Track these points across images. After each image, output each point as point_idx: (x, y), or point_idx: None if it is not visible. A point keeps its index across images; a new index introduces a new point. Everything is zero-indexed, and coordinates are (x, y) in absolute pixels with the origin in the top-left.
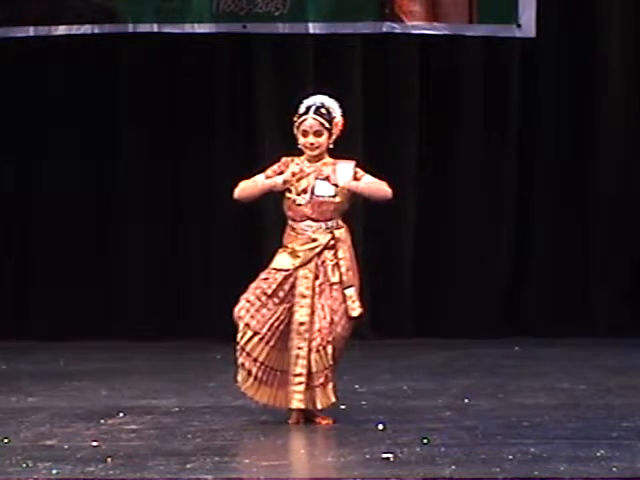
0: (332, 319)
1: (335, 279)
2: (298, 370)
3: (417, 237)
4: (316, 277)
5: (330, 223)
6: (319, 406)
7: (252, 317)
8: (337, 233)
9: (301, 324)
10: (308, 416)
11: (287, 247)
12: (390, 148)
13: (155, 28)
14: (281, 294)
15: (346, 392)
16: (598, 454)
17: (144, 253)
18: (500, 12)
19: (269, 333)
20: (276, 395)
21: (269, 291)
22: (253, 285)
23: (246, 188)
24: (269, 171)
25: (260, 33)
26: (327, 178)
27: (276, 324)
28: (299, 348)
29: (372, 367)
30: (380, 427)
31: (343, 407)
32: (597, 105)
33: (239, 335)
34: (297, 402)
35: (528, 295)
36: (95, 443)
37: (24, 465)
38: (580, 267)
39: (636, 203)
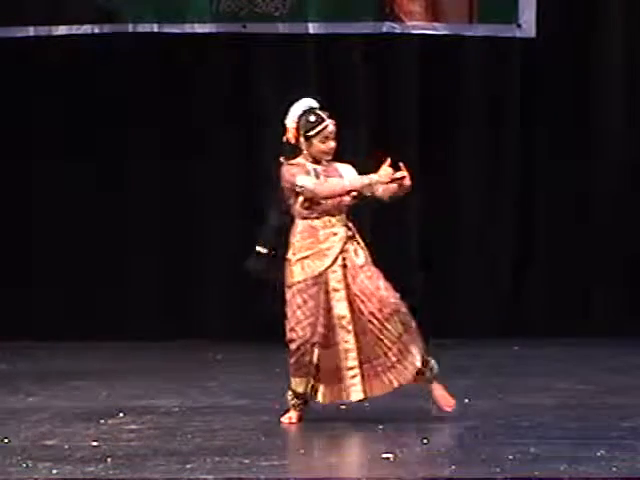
0: (380, 294)
1: (361, 261)
2: (350, 363)
3: (417, 237)
4: (344, 266)
5: (344, 216)
6: (396, 384)
7: (301, 335)
8: (350, 225)
9: (342, 317)
10: (308, 415)
11: (308, 251)
12: (390, 148)
13: (155, 28)
14: (316, 296)
15: None
16: (598, 454)
17: (144, 253)
18: (500, 12)
19: (315, 337)
20: (332, 391)
21: (302, 303)
22: (289, 309)
23: (334, 190)
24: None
25: (260, 33)
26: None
27: (319, 328)
28: (346, 342)
29: None
30: (380, 427)
31: (343, 407)
32: (597, 105)
33: (297, 354)
34: (356, 394)
35: (528, 295)
36: (95, 443)
37: (24, 465)
38: (580, 267)
39: (636, 203)
